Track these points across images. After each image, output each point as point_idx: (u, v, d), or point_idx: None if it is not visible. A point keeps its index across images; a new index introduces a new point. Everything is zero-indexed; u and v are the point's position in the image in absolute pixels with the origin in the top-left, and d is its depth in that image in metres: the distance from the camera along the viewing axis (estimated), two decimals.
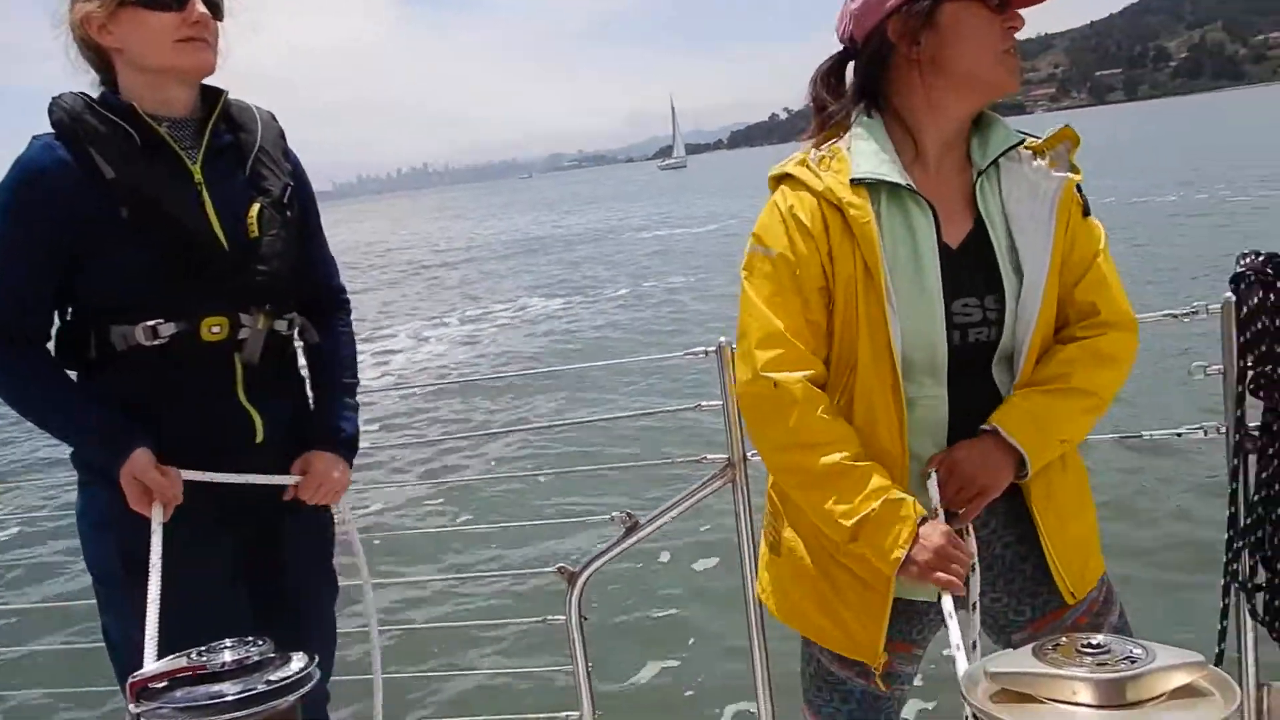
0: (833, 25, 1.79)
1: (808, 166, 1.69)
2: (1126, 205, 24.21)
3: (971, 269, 1.65)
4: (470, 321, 19.30)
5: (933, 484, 1.64)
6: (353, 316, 2.26)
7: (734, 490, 2.49)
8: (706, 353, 2.52)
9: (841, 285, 1.64)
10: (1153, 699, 0.93)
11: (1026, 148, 1.71)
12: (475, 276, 28.34)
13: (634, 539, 2.57)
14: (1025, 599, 1.78)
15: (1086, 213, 1.71)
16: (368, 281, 28.78)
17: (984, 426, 1.64)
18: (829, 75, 1.77)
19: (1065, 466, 1.75)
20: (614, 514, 2.60)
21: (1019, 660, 1.01)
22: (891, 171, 1.64)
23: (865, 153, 1.66)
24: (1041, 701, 0.96)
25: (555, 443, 8.82)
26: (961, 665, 1.28)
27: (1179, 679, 0.94)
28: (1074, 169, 1.69)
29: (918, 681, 1.90)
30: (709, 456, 2.51)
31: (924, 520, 1.57)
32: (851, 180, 1.63)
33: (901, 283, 1.62)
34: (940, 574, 1.52)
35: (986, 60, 1.63)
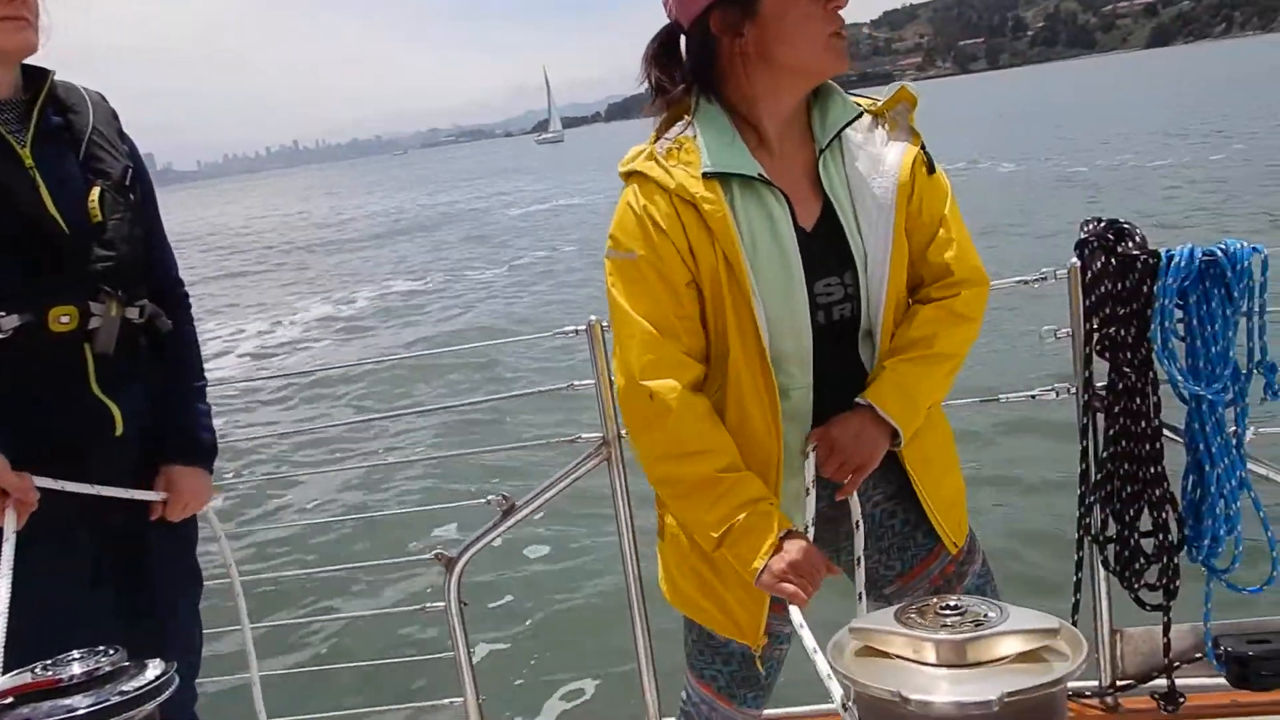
0: None
1: (657, 161, 1.66)
2: (985, 171, 25.14)
3: (826, 249, 1.66)
4: (336, 305, 18.68)
5: (810, 463, 1.68)
6: (211, 305, 2.16)
7: (610, 468, 2.49)
8: (577, 331, 2.50)
9: (707, 279, 1.64)
10: (998, 660, 0.97)
11: (867, 111, 1.72)
12: (341, 259, 27.52)
13: (512, 521, 2.54)
14: (894, 554, 1.84)
15: (931, 169, 1.72)
16: (229, 266, 27.67)
17: (858, 401, 1.67)
18: (660, 54, 1.72)
19: (933, 426, 1.80)
20: (490, 497, 2.57)
21: (879, 619, 1.06)
22: (742, 163, 1.63)
23: (713, 144, 1.64)
24: (893, 658, 1.01)
25: (429, 428, 8.63)
26: (821, 667, 1.31)
27: (1023, 642, 0.98)
28: (914, 134, 1.71)
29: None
30: (584, 436, 2.50)
31: (789, 534, 1.59)
32: (703, 174, 1.62)
33: (765, 271, 1.62)
34: (786, 585, 1.55)
35: (814, 48, 1.62)
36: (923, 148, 1.71)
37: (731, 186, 1.63)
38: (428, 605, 2.67)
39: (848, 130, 1.69)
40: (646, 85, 1.74)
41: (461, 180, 72.48)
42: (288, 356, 14.37)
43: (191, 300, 2.17)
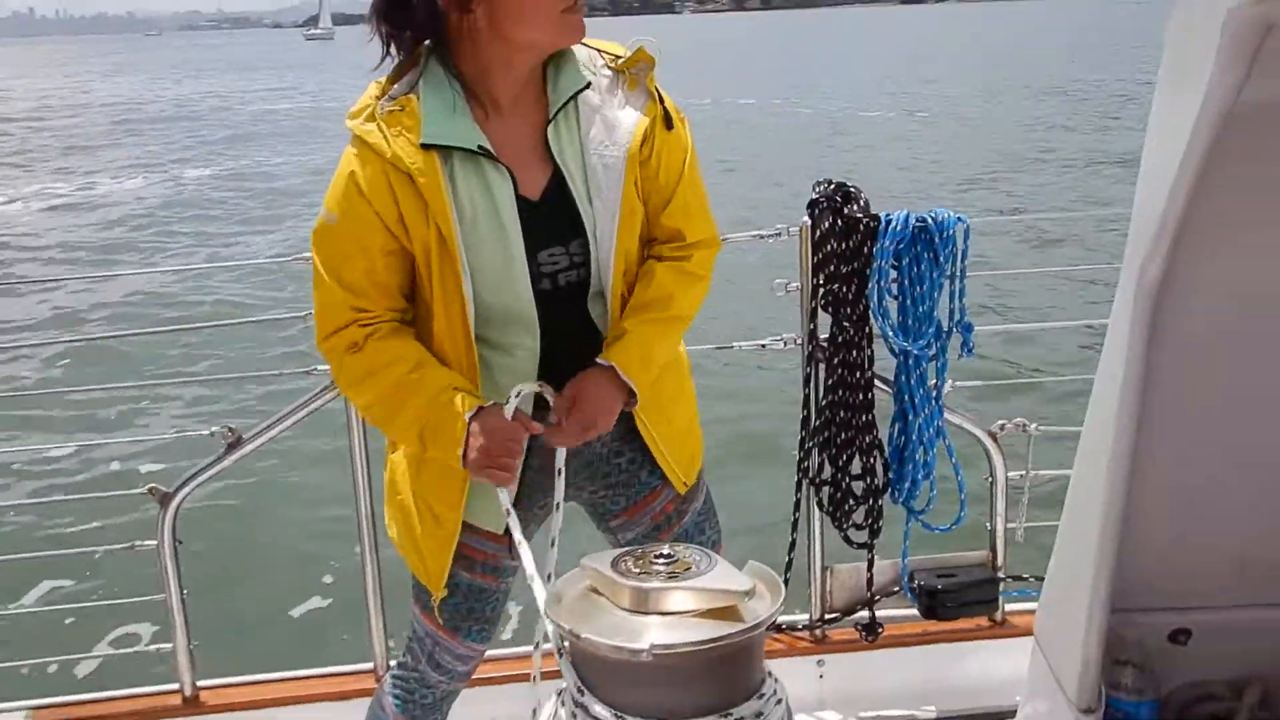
0: None
1: (377, 124, 1.60)
2: (741, 118, 25.91)
3: (553, 217, 1.66)
4: (41, 199, 16.99)
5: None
6: None
7: (347, 402, 2.40)
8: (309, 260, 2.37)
9: (419, 250, 1.62)
10: (690, 611, 1.04)
11: (608, 66, 1.71)
12: (60, 146, 25.19)
13: (236, 455, 2.41)
14: (620, 490, 1.88)
15: (669, 125, 1.72)
16: None
17: (600, 361, 1.69)
18: (390, 8, 1.63)
19: (668, 365, 1.82)
20: (214, 429, 2.43)
21: (598, 561, 1.11)
22: (463, 135, 1.59)
23: (435, 112, 1.60)
24: (603, 599, 1.07)
25: (147, 352, 7.83)
26: (539, 592, 1.36)
27: (711, 600, 1.04)
28: (652, 96, 1.70)
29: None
30: (319, 368, 2.39)
31: (475, 414, 1.61)
32: (422, 144, 1.57)
33: (482, 244, 1.61)
34: (487, 472, 1.60)
35: (546, 24, 1.60)
36: (662, 102, 1.71)
37: (451, 157, 1.60)
38: (137, 544, 2.49)
39: (585, 95, 1.67)
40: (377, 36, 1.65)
41: (214, 70, 67.11)
42: None
43: None
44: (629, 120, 1.67)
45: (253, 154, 22.74)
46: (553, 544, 1.64)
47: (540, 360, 1.70)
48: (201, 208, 16.37)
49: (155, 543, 2.41)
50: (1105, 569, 1.35)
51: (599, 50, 1.72)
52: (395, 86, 1.64)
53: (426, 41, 1.65)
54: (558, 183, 1.66)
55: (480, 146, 1.60)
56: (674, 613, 1.03)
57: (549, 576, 1.57)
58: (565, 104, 1.65)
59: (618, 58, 1.71)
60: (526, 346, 1.69)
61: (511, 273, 1.63)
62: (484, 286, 1.63)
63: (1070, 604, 1.43)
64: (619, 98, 1.69)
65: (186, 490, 2.39)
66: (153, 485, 2.41)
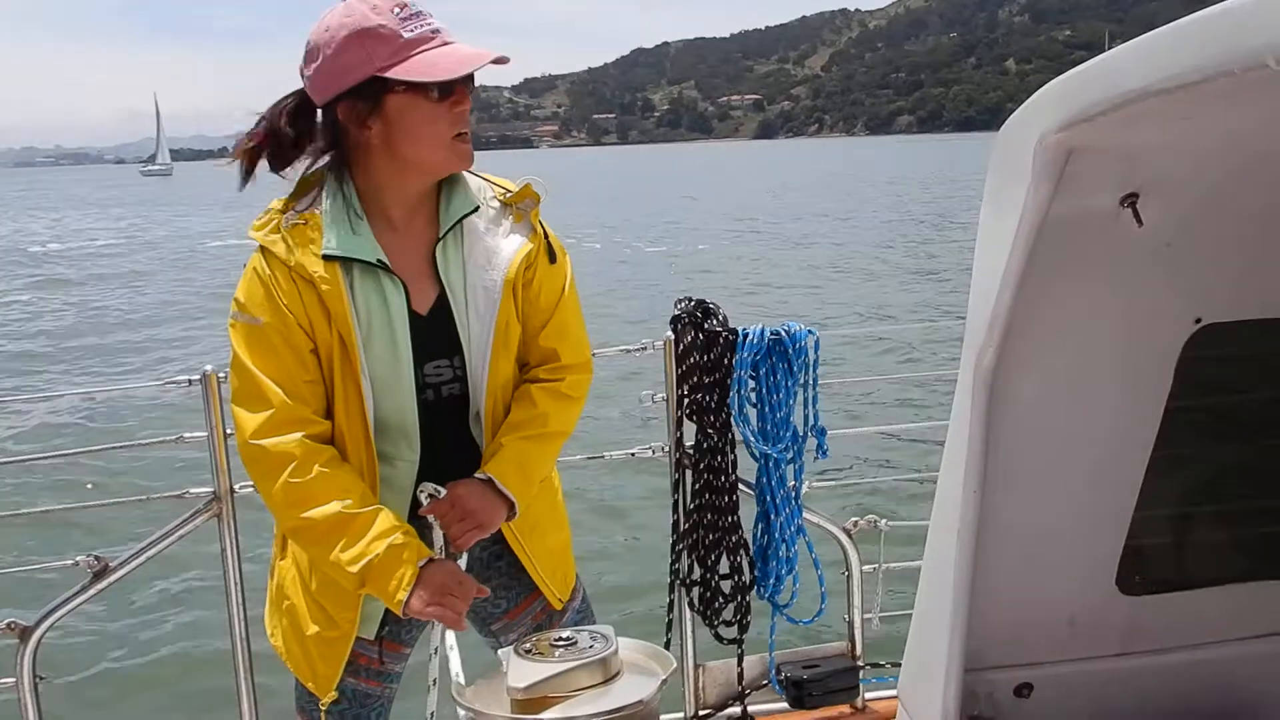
0: None
1: (281, 236, 1.70)
2: (610, 245, 26.78)
3: (437, 332, 1.77)
4: None
5: (437, 528, 1.76)
6: None
7: (220, 524, 2.40)
8: (190, 381, 2.40)
9: (323, 353, 1.70)
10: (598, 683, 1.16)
11: (497, 198, 1.84)
12: None
13: (104, 584, 2.36)
14: (501, 593, 1.96)
15: (553, 259, 1.86)
16: None
17: (479, 476, 1.77)
18: (295, 114, 1.74)
19: (541, 492, 1.93)
20: (79, 558, 2.37)
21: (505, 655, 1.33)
22: (362, 248, 1.70)
23: (337, 225, 1.70)
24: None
25: (8, 481, 7.65)
26: (455, 667, 1.46)
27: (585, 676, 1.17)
28: (535, 229, 1.83)
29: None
30: (192, 491, 2.39)
31: (429, 561, 1.68)
32: (323, 255, 1.67)
33: (377, 351, 1.71)
34: (434, 609, 1.64)
35: (436, 149, 1.72)
36: (547, 237, 1.84)
37: (352, 269, 1.70)
38: None
39: (473, 216, 1.79)
40: (264, 136, 1.74)
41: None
42: None
43: None
44: (510, 248, 1.79)
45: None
46: (434, 652, 1.72)
47: (420, 475, 1.78)
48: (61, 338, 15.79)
49: (13, 680, 2.32)
50: (959, 632, 1.50)
51: (491, 182, 1.86)
52: (299, 202, 1.74)
53: (325, 161, 1.75)
54: (443, 300, 1.77)
55: (379, 260, 1.70)
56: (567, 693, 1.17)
57: (433, 682, 1.66)
58: (453, 226, 1.77)
59: (507, 191, 1.84)
60: (406, 459, 1.77)
61: (400, 382, 1.72)
62: (376, 393, 1.71)
63: (930, 667, 1.57)
64: (504, 227, 1.81)
65: (48, 623, 2.32)
66: (10, 620, 2.33)
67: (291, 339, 1.68)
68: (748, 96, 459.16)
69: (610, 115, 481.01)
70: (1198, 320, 1.51)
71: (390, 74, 1.63)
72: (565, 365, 1.88)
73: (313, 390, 1.71)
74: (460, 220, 1.78)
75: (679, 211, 39.11)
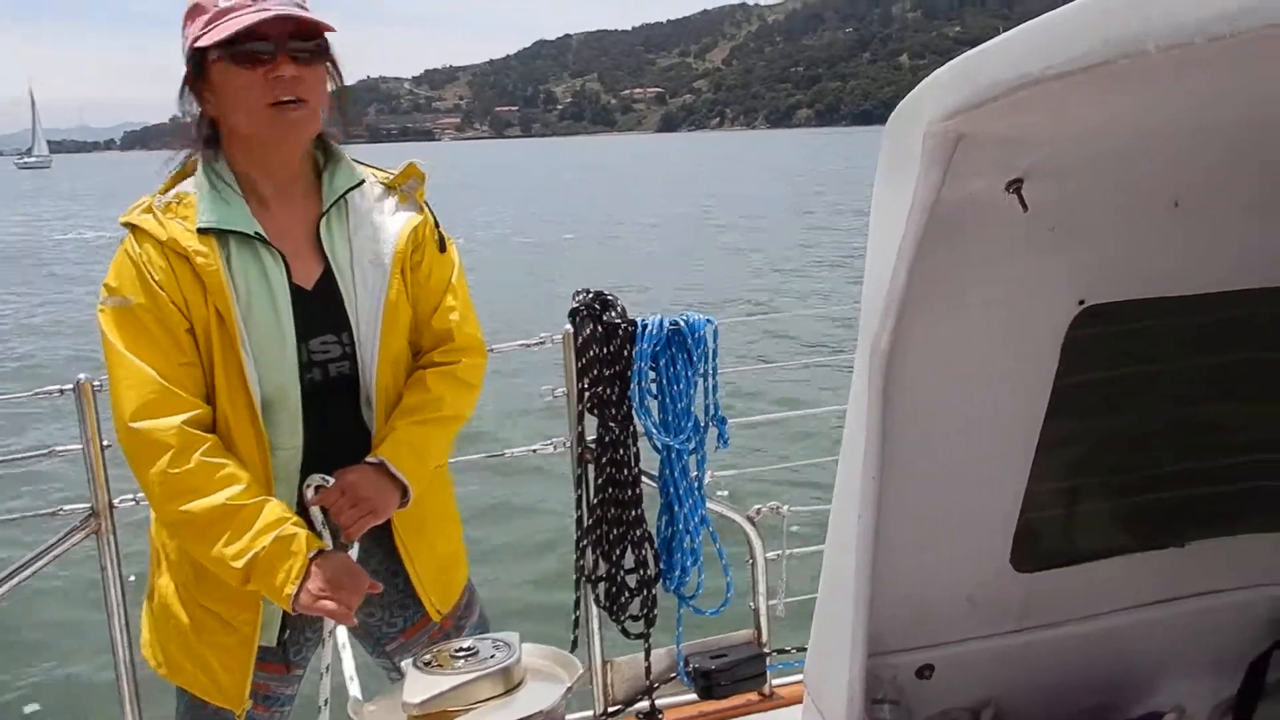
0: None
1: (153, 214, 1.65)
2: (504, 239, 26.61)
3: (324, 307, 1.71)
4: None
5: (316, 511, 1.69)
6: None
7: (99, 540, 2.28)
8: (62, 391, 2.28)
9: (200, 332, 1.64)
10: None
11: (381, 183, 1.81)
12: None
13: None
14: (397, 611, 1.90)
15: (442, 248, 1.84)
16: None
17: (370, 460, 1.72)
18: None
19: (431, 490, 1.87)
20: None
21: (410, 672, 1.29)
22: (238, 220, 1.65)
23: (211, 200, 1.66)
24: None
25: None
26: (353, 690, 1.41)
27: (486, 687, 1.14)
28: (421, 208, 1.81)
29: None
30: (66, 508, 2.27)
31: (319, 553, 1.61)
32: (198, 228, 1.62)
33: (258, 327, 1.64)
34: (326, 603, 1.57)
35: (256, 118, 1.66)
36: (437, 225, 1.81)
37: (228, 243, 1.64)
38: None
39: (356, 196, 1.76)
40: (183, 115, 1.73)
41: None
42: None
43: None
44: (397, 225, 1.76)
45: None
46: (326, 669, 1.65)
47: (306, 463, 1.71)
48: None
49: None
50: (861, 617, 1.50)
51: (373, 169, 1.83)
52: (175, 187, 1.69)
53: (196, 155, 1.72)
54: (328, 274, 1.72)
55: (256, 232, 1.65)
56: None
57: (324, 703, 1.59)
58: (337, 201, 1.73)
59: (389, 175, 1.82)
60: (287, 446, 1.70)
61: (284, 357, 1.66)
62: (260, 370, 1.65)
63: (834, 653, 1.57)
64: (390, 204, 1.78)
65: None
66: None
67: (165, 319, 1.61)
68: (650, 90, 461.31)
69: (513, 108, 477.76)
70: (1081, 302, 1.54)
71: (199, 43, 1.62)
72: (459, 348, 1.85)
73: (190, 373, 1.64)
74: (344, 195, 1.74)
75: (581, 205, 39.04)
